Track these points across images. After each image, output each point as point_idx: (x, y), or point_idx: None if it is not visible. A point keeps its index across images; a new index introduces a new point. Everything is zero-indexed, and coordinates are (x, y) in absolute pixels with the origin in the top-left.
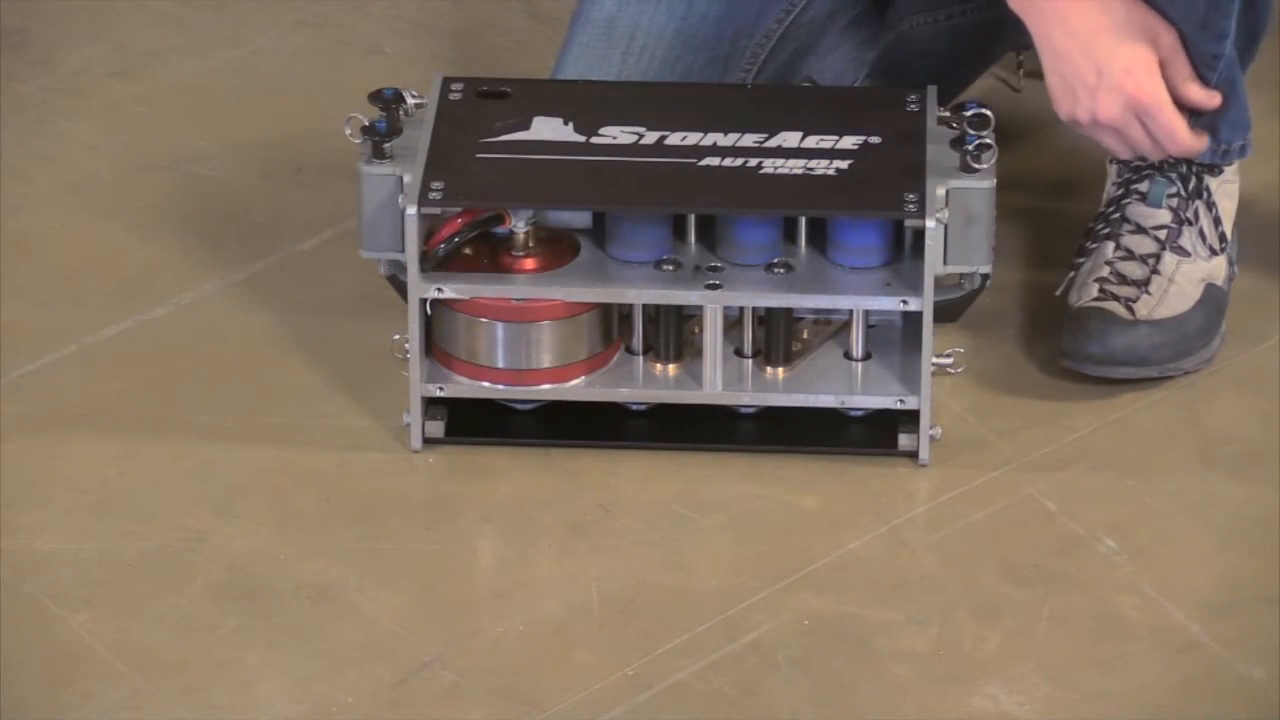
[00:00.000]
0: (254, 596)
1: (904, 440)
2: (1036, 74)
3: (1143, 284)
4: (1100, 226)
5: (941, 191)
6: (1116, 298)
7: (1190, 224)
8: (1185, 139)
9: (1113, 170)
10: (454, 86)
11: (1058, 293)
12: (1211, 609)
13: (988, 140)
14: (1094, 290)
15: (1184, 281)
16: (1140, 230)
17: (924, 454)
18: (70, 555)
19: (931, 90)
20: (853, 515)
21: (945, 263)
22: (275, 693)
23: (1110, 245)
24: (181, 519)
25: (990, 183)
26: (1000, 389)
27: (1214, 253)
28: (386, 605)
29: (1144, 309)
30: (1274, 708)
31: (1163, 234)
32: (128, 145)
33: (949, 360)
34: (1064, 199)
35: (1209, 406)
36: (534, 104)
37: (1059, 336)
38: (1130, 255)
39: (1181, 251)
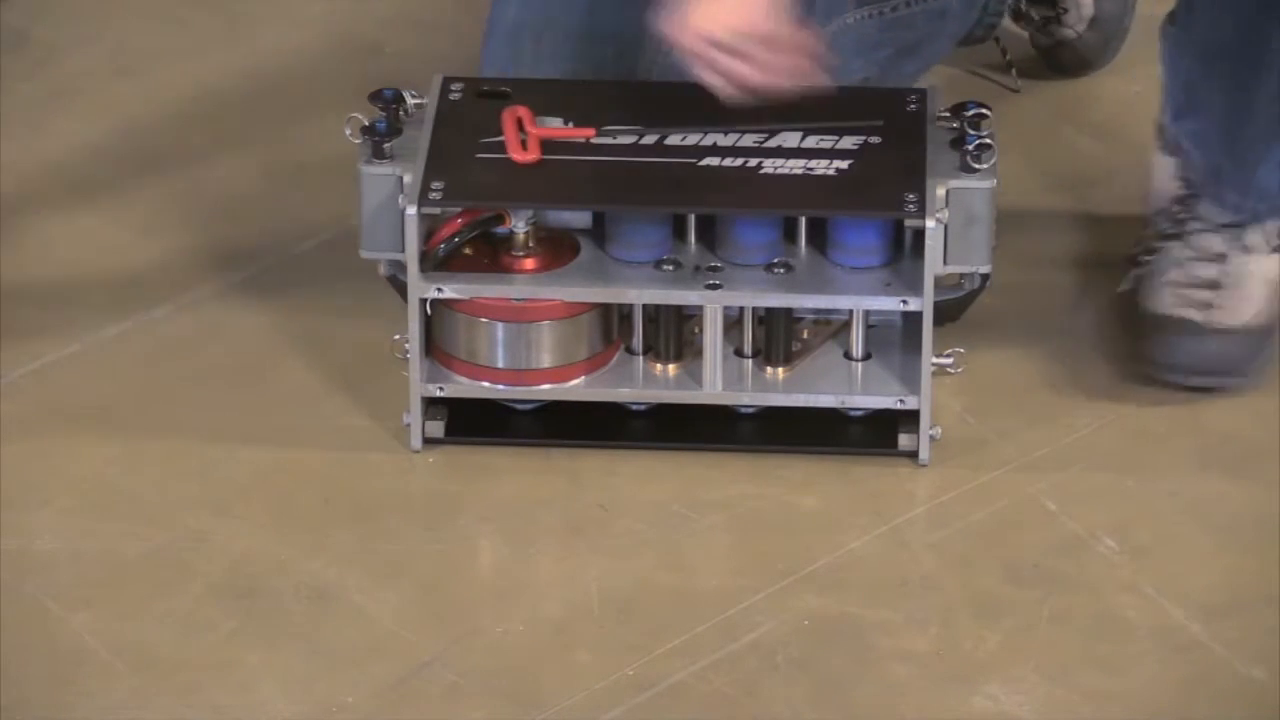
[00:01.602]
0: (254, 596)
1: (904, 440)
2: (1031, 74)
3: (1217, 286)
4: (1166, 225)
5: (941, 191)
6: (1194, 303)
7: (1256, 221)
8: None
9: (1170, 164)
10: (454, 86)
11: (1120, 288)
12: (1211, 609)
13: (988, 140)
14: (1170, 296)
15: (1254, 282)
16: (1211, 229)
17: (924, 454)
18: (70, 555)
19: (932, 90)
20: (853, 515)
21: (945, 263)
22: (275, 693)
23: (1178, 245)
24: (181, 519)
25: (990, 183)
26: (1000, 389)
27: (1273, 250)
28: (386, 605)
29: (1225, 316)
30: (1274, 708)
31: (1231, 232)
32: (128, 145)
33: (949, 360)
34: (1064, 199)
35: (1209, 406)
36: (534, 104)
37: (1135, 341)
38: (1202, 256)
39: (1247, 250)
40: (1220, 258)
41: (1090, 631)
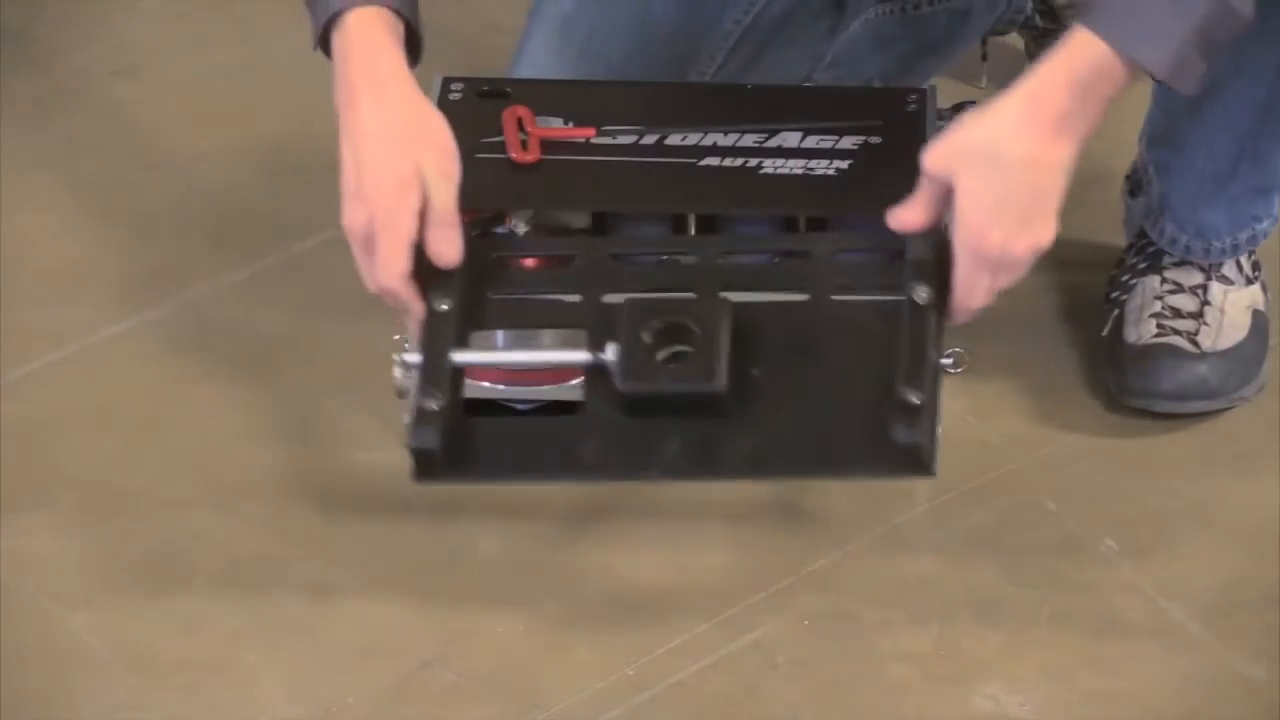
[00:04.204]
0: (254, 596)
1: None
2: (1004, 76)
3: (1197, 316)
4: (1138, 261)
5: None
6: (1179, 332)
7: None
8: (392, 273)
9: (1138, 204)
10: (454, 86)
11: (1104, 332)
12: (1211, 609)
13: None
14: (1152, 327)
15: (1234, 310)
16: (1184, 262)
17: None
18: (70, 555)
19: (932, 90)
20: (853, 515)
21: None
22: (275, 693)
23: (1155, 279)
24: (181, 519)
25: None
26: (1000, 389)
27: (1249, 281)
28: (386, 605)
29: (1207, 341)
30: (1274, 708)
31: (1206, 264)
32: (128, 145)
33: (949, 360)
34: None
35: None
36: (534, 104)
37: (1116, 374)
38: (1179, 288)
39: (1226, 280)
40: (1200, 289)
41: (1090, 631)
